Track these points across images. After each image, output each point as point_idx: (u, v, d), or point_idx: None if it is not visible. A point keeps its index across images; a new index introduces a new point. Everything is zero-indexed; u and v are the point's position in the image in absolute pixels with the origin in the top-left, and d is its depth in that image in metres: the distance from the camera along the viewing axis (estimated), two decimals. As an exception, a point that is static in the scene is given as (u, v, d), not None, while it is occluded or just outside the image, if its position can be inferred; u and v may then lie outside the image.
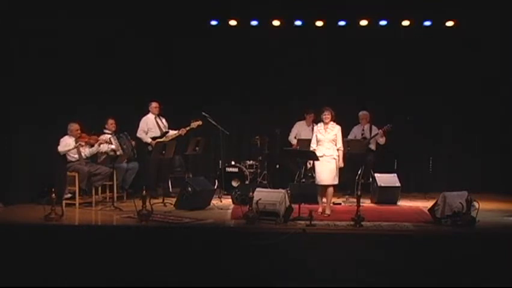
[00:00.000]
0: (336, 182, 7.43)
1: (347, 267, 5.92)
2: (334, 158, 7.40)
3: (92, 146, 8.09)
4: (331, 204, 7.59)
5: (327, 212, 7.44)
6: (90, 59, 8.90)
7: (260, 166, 9.59)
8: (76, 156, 7.97)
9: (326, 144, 7.40)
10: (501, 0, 9.07)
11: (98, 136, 8.26)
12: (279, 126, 9.75)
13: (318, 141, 7.45)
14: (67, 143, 7.95)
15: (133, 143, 8.63)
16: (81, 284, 5.93)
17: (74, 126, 7.97)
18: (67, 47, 8.57)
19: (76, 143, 7.94)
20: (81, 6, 8.56)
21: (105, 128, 8.55)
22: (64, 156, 7.95)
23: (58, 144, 7.91)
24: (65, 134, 8.01)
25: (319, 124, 7.56)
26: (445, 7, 9.38)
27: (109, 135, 8.37)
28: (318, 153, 7.37)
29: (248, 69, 10.20)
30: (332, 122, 7.48)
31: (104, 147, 8.24)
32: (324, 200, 7.58)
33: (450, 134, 10.12)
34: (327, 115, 7.44)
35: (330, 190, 7.45)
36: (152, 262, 6.01)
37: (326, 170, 7.37)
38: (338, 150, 7.46)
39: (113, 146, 8.30)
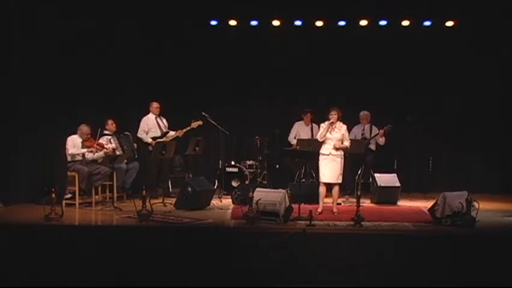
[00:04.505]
0: (340, 180, 7.51)
1: (346, 267, 5.89)
2: (340, 157, 7.47)
3: (97, 151, 8.09)
4: (331, 204, 7.61)
5: (334, 210, 7.50)
6: (90, 59, 8.89)
7: (260, 166, 9.60)
8: (79, 157, 8.01)
9: (333, 143, 7.45)
10: (501, 0, 9.06)
11: (98, 140, 8.23)
12: (279, 126, 9.76)
13: (326, 139, 7.48)
14: (74, 143, 8.00)
15: (135, 145, 8.64)
16: (81, 284, 5.92)
17: (85, 129, 8.04)
18: (66, 46, 8.53)
19: (83, 145, 7.98)
20: (81, 6, 8.55)
21: (105, 129, 8.53)
22: (65, 155, 7.96)
23: (60, 146, 7.91)
24: (66, 134, 8.03)
25: (326, 123, 7.53)
26: (445, 7, 9.39)
27: (113, 146, 8.35)
28: (325, 152, 7.46)
29: (248, 69, 10.19)
30: (338, 122, 7.52)
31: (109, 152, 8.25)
32: (326, 199, 7.62)
33: (450, 134, 10.10)
34: (333, 114, 7.47)
35: (336, 189, 7.51)
36: (152, 262, 5.98)
37: (332, 168, 7.44)
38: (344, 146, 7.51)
39: (113, 146, 8.30)
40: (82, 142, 8.02)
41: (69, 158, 8.00)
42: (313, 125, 9.35)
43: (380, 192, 8.56)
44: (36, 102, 8.13)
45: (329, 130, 7.47)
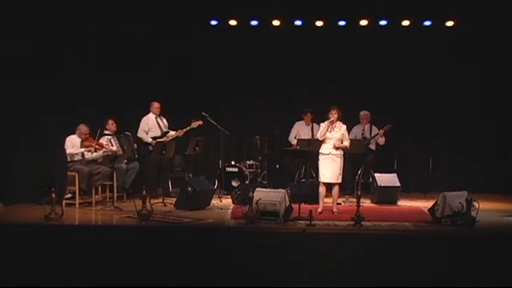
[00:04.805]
0: (339, 180, 7.50)
1: (346, 267, 5.87)
2: (339, 157, 7.47)
3: (96, 150, 8.06)
4: (331, 204, 7.61)
5: (335, 210, 7.50)
6: (90, 59, 8.89)
7: (260, 166, 9.58)
8: (78, 156, 7.99)
9: (333, 142, 7.44)
10: (501, 0, 9.05)
11: (99, 139, 8.19)
12: (279, 126, 9.74)
13: (326, 138, 7.47)
14: (72, 143, 7.97)
15: (135, 145, 8.62)
16: (81, 284, 5.89)
17: (83, 129, 8.02)
18: (67, 46, 8.54)
19: (82, 145, 7.96)
20: (81, 5, 8.55)
21: (105, 129, 8.51)
22: (65, 155, 7.94)
23: (60, 146, 7.89)
24: (67, 134, 8.03)
25: (326, 122, 7.52)
26: (445, 7, 9.38)
27: (113, 147, 8.32)
28: (325, 151, 7.45)
29: (248, 69, 10.16)
30: (338, 122, 7.51)
31: (108, 152, 8.23)
32: (326, 199, 7.62)
33: (450, 134, 10.09)
34: (333, 113, 7.45)
35: (336, 189, 7.51)
36: (152, 262, 5.95)
37: (331, 168, 7.43)
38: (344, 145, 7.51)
39: (114, 148, 8.28)
40: (81, 142, 8.00)
41: (68, 158, 7.98)
42: (314, 124, 9.32)
43: (380, 192, 8.56)
44: (36, 102, 8.11)
45: (329, 129, 7.46)
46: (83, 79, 8.79)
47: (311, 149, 7.87)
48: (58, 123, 8.17)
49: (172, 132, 8.94)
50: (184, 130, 8.82)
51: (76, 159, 7.98)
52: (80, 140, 8.01)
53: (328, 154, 7.45)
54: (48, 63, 8.29)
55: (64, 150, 7.96)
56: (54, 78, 8.37)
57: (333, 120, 7.44)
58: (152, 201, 7.56)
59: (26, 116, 8.05)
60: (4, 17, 7.83)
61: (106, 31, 9.08)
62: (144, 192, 6.68)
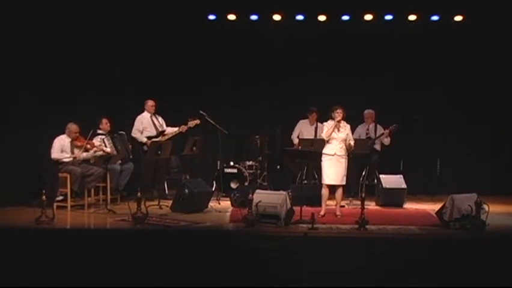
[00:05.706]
0: (344, 182, 7.42)
1: (350, 272, 5.77)
2: (344, 158, 7.35)
3: (86, 150, 7.93)
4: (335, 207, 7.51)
5: (338, 213, 7.41)
6: (87, 58, 8.85)
7: (260, 167, 9.49)
8: (68, 159, 7.85)
9: (338, 143, 7.32)
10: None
11: (91, 139, 8.04)
12: (280, 126, 9.62)
13: (330, 139, 7.33)
14: (62, 144, 7.84)
15: (130, 146, 8.51)
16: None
17: (73, 127, 7.88)
18: (64, 46, 8.49)
19: (72, 145, 7.82)
20: (80, 5, 8.52)
21: (99, 128, 8.40)
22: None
23: (51, 146, 7.77)
24: (58, 134, 7.89)
25: (329, 122, 7.39)
26: (453, 1, 9.32)
27: (106, 147, 8.18)
28: (329, 152, 7.35)
29: (248, 65, 10.04)
30: (342, 121, 7.41)
31: (99, 152, 8.11)
32: (329, 202, 7.54)
33: (458, 135, 9.97)
34: (339, 112, 7.32)
35: (340, 191, 7.43)
36: (147, 267, 5.87)
37: (336, 169, 7.32)
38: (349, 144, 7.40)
39: (108, 149, 8.16)
40: (71, 141, 7.88)
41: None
42: (318, 124, 9.16)
43: (386, 194, 8.44)
44: (28, 103, 8.03)
45: (335, 129, 7.30)
46: (78, 78, 8.70)
47: (314, 149, 7.67)
48: (50, 123, 8.04)
49: (170, 130, 8.84)
50: (186, 127, 8.71)
51: (66, 160, 7.81)
52: (69, 139, 7.88)
53: (333, 155, 7.32)
54: (44, 63, 8.19)
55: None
56: (48, 79, 8.28)
57: (339, 120, 7.30)
58: (148, 203, 7.35)
59: (17, 117, 7.93)
60: (4, 17, 7.78)
61: (106, 31, 9.03)
62: (139, 194, 6.56)
